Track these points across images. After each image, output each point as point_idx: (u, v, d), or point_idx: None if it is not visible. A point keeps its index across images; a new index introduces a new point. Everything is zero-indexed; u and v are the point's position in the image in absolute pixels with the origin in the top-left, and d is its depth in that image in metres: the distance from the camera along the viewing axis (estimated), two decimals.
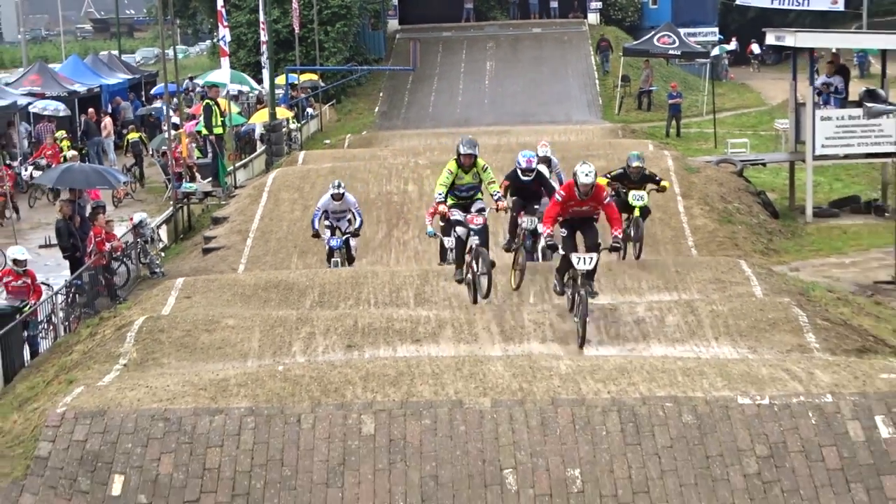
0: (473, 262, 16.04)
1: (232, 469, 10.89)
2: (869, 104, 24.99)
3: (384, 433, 11.19)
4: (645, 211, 18.84)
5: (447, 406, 11.47)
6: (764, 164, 30.41)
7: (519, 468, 10.90)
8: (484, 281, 15.81)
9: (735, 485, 10.72)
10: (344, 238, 19.78)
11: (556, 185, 18.63)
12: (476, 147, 16.36)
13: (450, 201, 16.38)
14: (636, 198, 18.52)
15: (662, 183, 19.18)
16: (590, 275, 14.72)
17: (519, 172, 17.12)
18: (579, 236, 15.36)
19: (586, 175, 14.57)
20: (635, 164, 18.63)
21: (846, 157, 27.46)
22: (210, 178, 30.61)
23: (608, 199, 15.43)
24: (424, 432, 11.20)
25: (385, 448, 11.07)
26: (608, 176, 18.81)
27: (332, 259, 19.67)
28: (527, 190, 17.47)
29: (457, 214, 16.22)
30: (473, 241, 16.00)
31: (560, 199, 15.00)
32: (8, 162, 32.31)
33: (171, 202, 28.61)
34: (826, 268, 22.23)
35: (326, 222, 19.91)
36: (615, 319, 14.93)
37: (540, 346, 14.51)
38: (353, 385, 11.89)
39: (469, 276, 16.26)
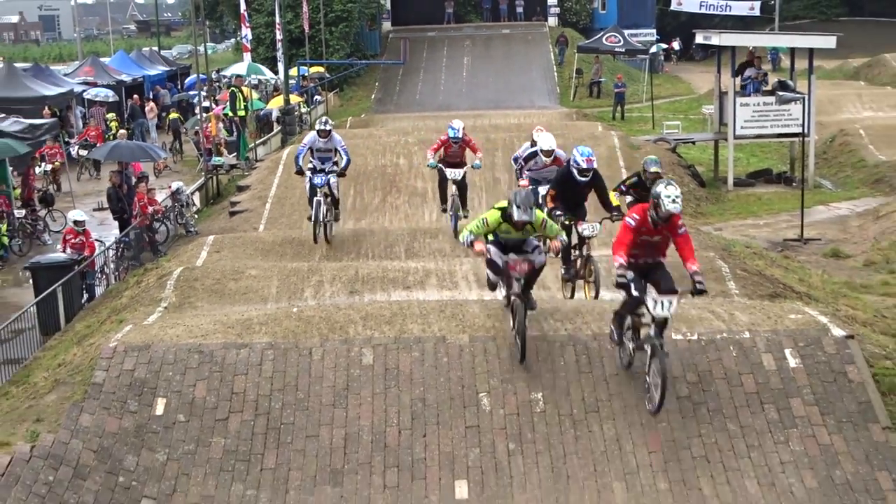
0: (510, 314, 11.52)
1: (255, 393, 10.89)
2: (780, 93, 25.08)
3: (381, 363, 11.20)
4: None
5: (433, 341, 11.47)
6: (693, 143, 30.47)
7: (492, 392, 10.91)
8: (520, 340, 11.17)
9: (669, 406, 10.72)
10: (327, 177, 16.97)
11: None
12: (531, 211, 11.15)
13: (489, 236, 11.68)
14: None
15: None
16: (665, 323, 10.49)
17: (575, 172, 13.35)
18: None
19: (672, 201, 10.02)
20: (653, 169, 14.79)
21: (761, 136, 27.58)
22: (235, 153, 30.63)
23: (682, 229, 10.54)
24: (414, 362, 11.20)
25: (381, 376, 11.07)
26: (623, 187, 15.27)
27: (315, 198, 16.85)
28: (580, 194, 13.77)
29: (496, 256, 11.40)
30: (515, 287, 11.33)
31: (633, 224, 10.37)
32: (67, 140, 32.20)
33: (203, 173, 28.55)
34: (744, 228, 22.31)
35: (310, 163, 17.21)
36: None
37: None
38: (354, 324, 11.88)
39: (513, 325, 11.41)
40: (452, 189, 17.48)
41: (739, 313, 12.23)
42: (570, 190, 13.59)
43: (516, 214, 11.08)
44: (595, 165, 13.41)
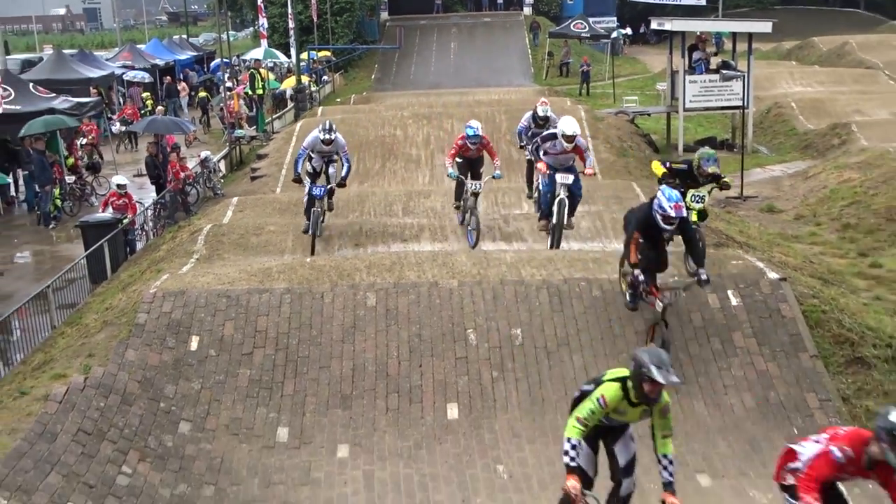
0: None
1: (275, 331, 10.90)
2: (723, 71, 25.02)
3: (382, 305, 11.20)
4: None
5: (427, 286, 11.47)
6: (649, 115, 30.33)
7: (477, 328, 10.94)
8: None
9: (629, 339, 10.79)
10: (326, 190, 14.44)
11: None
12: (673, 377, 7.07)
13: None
14: (695, 199, 11.71)
15: (725, 180, 12.13)
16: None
17: (659, 219, 9.85)
18: None
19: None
20: (711, 169, 11.66)
21: (706, 109, 27.51)
22: (254, 126, 30.51)
23: None
24: (411, 304, 11.21)
25: (383, 315, 11.08)
26: (669, 165, 12.12)
27: (313, 210, 14.30)
28: (662, 242, 10.45)
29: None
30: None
31: (840, 460, 6.47)
32: (109, 116, 32.00)
33: (227, 144, 28.38)
34: None
35: (309, 166, 14.68)
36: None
37: (491, 244, 14.51)
38: (360, 271, 11.87)
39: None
40: (470, 200, 14.58)
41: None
42: (652, 237, 10.25)
43: (658, 376, 6.88)
44: (684, 213, 9.99)
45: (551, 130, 13.12)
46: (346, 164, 14.71)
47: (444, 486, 9.07)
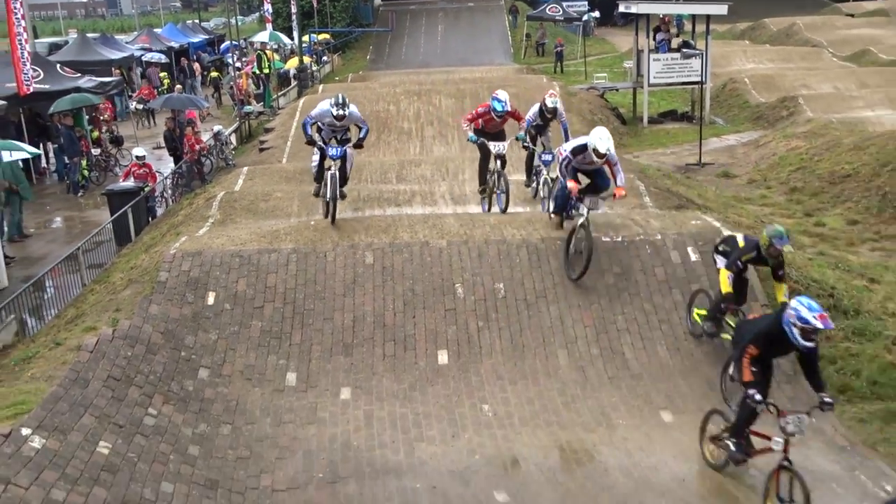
0: None
1: (283, 286, 10.87)
2: (684, 50, 24.86)
3: (379, 263, 11.17)
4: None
5: (419, 245, 11.44)
6: (617, 90, 30.18)
7: (465, 283, 10.94)
8: None
9: (600, 291, 10.81)
10: (344, 149, 11.90)
11: (563, 136, 13.30)
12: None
13: None
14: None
15: (783, 273, 9.41)
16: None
17: (797, 335, 7.37)
18: None
19: None
20: (785, 247, 9.33)
21: (669, 84, 27.35)
22: (261, 103, 30.23)
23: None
24: (405, 262, 11.18)
25: (380, 272, 11.05)
26: (740, 263, 9.25)
27: (329, 172, 11.94)
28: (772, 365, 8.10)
29: None
30: None
31: None
32: (130, 94, 31.67)
33: (237, 119, 28.14)
34: (656, 155, 22.26)
35: (318, 136, 12.11)
36: (525, 189, 14.86)
37: (476, 208, 14.45)
38: (359, 233, 11.82)
39: None
40: (495, 164, 13.03)
41: (653, 220, 12.24)
42: (775, 352, 7.84)
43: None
44: (831, 324, 7.67)
45: (580, 142, 10.97)
46: (364, 128, 12.15)
47: (436, 423, 9.11)
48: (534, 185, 14.11)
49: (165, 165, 22.33)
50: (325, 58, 42.90)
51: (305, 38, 39.89)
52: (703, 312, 10.01)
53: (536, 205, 13.92)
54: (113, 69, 31.51)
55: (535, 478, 8.09)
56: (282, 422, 9.14)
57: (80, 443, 7.52)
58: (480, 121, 12.91)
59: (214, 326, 10.29)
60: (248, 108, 28.35)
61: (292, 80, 35.03)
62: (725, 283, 9.27)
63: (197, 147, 21.08)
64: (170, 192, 19.35)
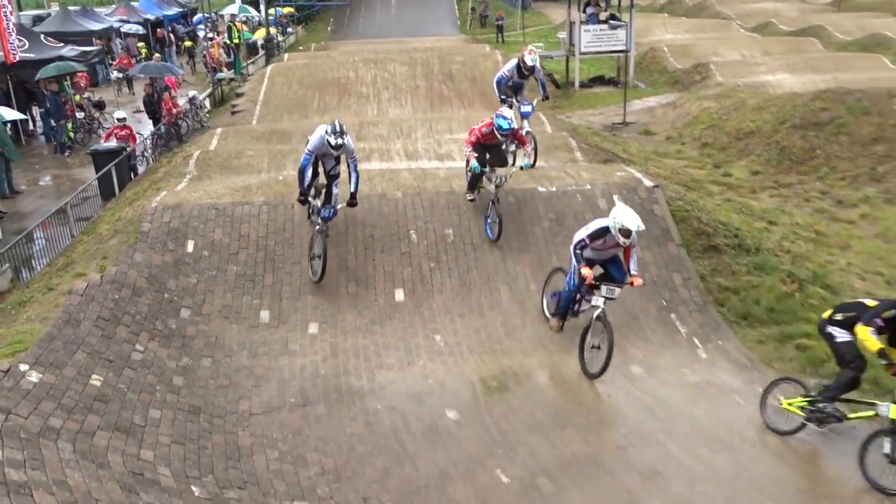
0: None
1: (256, 235, 10.73)
2: (611, 22, 24.77)
3: (342, 213, 11.00)
4: None
5: (377, 196, 11.36)
6: (552, 58, 29.86)
7: (418, 229, 10.91)
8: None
9: (537, 235, 10.87)
10: (334, 211, 10.10)
11: (540, 90, 12.61)
12: None
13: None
14: None
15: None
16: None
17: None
18: None
19: None
20: None
21: (598, 52, 27.23)
22: (232, 70, 29.48)
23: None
24: (364, 212, 11.06)
25: (342, 221, 10.92)
26: (880, 321, 7.06)
27: (318, 228, 10.06)
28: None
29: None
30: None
31: None
32: (110, 62, 30.64)
33: (211, 84, 27.43)
34: (586, 116, 22.26)
35: (310, 170, 10.13)
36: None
37: (427, 163, 14.36)
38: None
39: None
40: (494, 193, 10.72)
41: (584, 172, 12.31)
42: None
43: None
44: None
45: (599, 225, 8.52)
46: (354, 174, 10.08)
47: (394, 353, 9.15)
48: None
49: (145, 127, 21.71)
50: (289, 29, 41.85)
51: (272, 10, 38.84)
52: (802, 403, 7.74)
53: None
54: (94, 39, 30.42)
55: (481, 397, 8.20)
56: (257, 354, 9.10)
57: (73, 376, 7.40)
58: (481, 139, 10.70)
59: (194, 271, 10.15)
60: (220, 75, 27.63)
61: (260, 49, 34.14)
62: (872, 341, 7.03)
63: (174, 111, 20.52)
64: (150, 151, 18.86)
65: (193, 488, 6.56)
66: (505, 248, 10.70)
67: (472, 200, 11.15)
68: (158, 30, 38.29)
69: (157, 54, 31.11)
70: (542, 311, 9.73)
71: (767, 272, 10.50)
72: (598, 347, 8.51)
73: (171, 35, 38.92)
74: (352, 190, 10.12)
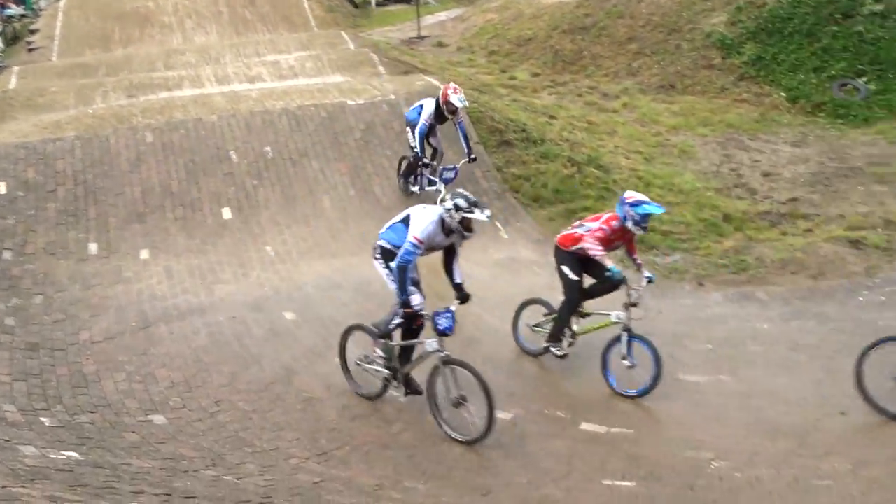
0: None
1: (72, 170, 9.76)
2: None
3: (159, 140, 10.30)
4: None
5: (192, 121, 10.64)
6: None
7: (237, 149, 10.39)
8: None
9: (350, 145, 10.69)
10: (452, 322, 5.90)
11: (463, 141, 9.43)
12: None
13: None
14: None
15: None
16: None
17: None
18: None
19: None
20: None
21: None
22: (23, 5, 25.96)
23: None
24: (182, 137, 10.39)
25: (161, 148, 10.21)
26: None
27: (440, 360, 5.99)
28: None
29: None
30: None
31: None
32: None
33: (1, 22, 24.05)
34: (385, 32, 21.73)
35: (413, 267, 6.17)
36: (278, 67, 14.10)
37: (239, 86, 13.54)
38: (136, 116, 10.77)
39: None
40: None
41: (388, 84, 12.15)
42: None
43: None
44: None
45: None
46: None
47: (228, 268, 8.79)
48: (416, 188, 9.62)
49: None
50: None
51: None
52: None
53: (286, 79, 13.23)
54: None
55: (314, 297, 8.12)
56: (90, 286, 8.41)
57: None
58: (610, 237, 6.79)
59: (11, 212, 9.11)
60: (9, 12, 24.23)
61: None
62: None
63: None
64: None
65: (42, 419, 6.07)
66: (322, 160, 10.44)
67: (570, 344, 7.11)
68: None
69: None
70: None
71: (551, 159, 10.98)
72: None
73: None
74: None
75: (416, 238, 6.03)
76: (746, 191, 11.37)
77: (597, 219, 6.87)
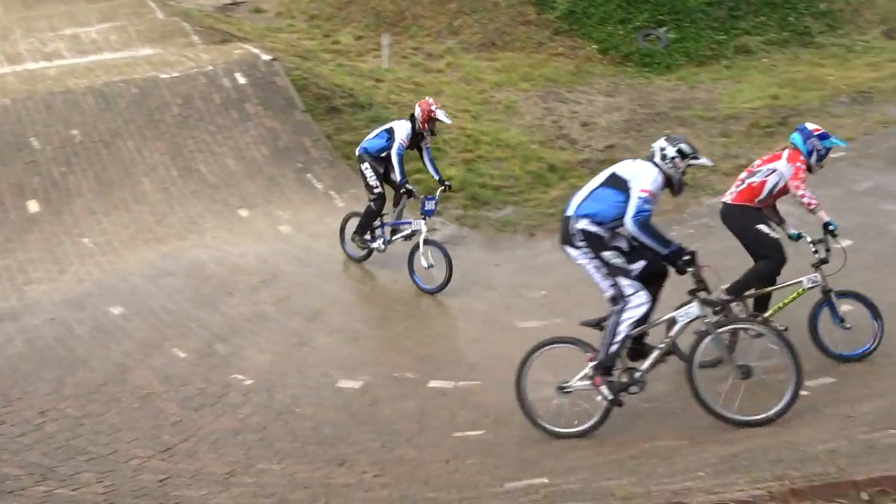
0: None
1: None
2: None
3: None
4: None
5: None
6: None
7: (38, 135, 9.43)
8: None
9: (168, 121, 10.02)
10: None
11: (428, 164, 7.99)
12: None
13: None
14: None
15: None
16: None
17: None
18: None
19: None
20: None
21: None
22: None
23: None
24: None
25: None
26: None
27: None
28: None
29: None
30: None
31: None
32: None
33: None
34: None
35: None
36: (78, 41, 12.86)
37: (34, 65, 12.22)
38: None
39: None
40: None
41: (204, 55, 11.49)
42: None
43: None
44: None
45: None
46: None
47: (41, 265, 8.02)
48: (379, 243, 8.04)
49: None
50: None
51: None
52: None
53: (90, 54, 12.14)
54: None
55: (142, 287, 7.60)
56: None
57: None
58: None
59: None
60: None
61: None
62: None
63: None
64: None
65: None
66: (138, 139, 9.72)
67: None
68: None
69: None
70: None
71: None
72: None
73: None
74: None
75: (645, 191, 4.76)
76: (568, 141, 11.92)
77: (773, 159, 5.68)
